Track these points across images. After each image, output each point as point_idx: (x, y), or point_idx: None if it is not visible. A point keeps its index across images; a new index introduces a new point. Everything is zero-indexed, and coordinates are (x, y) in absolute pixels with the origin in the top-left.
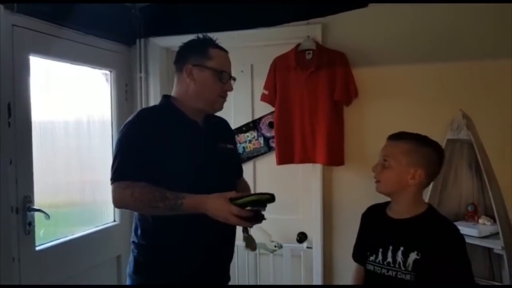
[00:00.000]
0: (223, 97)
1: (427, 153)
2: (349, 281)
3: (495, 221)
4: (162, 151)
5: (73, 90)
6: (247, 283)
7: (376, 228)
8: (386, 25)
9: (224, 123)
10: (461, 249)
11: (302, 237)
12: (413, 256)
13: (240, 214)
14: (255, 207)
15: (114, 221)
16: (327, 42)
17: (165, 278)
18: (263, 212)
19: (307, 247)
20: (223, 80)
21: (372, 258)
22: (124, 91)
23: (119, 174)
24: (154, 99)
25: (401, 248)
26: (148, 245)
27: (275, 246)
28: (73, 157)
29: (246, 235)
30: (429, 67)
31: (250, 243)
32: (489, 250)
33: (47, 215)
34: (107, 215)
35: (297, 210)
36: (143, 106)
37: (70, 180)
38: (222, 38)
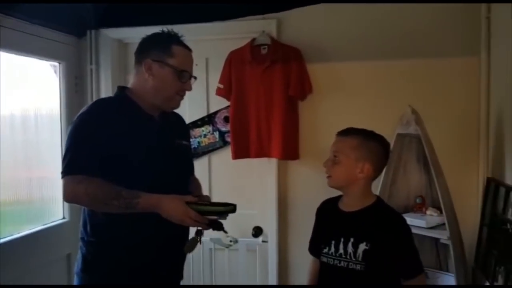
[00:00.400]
0: (181, 96)
1: (374, 147)
2: (304, 274)
3: (441, 212)
4: (117, 144)
5: (20, 82)
6: (202, 278)
7: (329, 221)
8: (340, 22)
9: (180, 119)
10: (408, 238)
11: (257, 231)
12: (362, 246)
13: (197, 220)
14: (217, 216)
15: (64, 218)
16: (282, 37)
17: (114, 276)
18: (222, 221)
19: (263, 241)
20: (183, 79)
21: (325, 250)
22: (74, 84)
23: (72, 167)
24: (105, 92)
25: (351, 239)
26: (97, 242)
27: (231, 241)
28: (20, 152)
29: (196, 237)
30: (380, 64)
31: (191, 246)
32: (436, 240)
33: None
34: (55, 212)
35: (253, 205)
36: (94, 99)
37: (16, 176)
38: (176, 31)
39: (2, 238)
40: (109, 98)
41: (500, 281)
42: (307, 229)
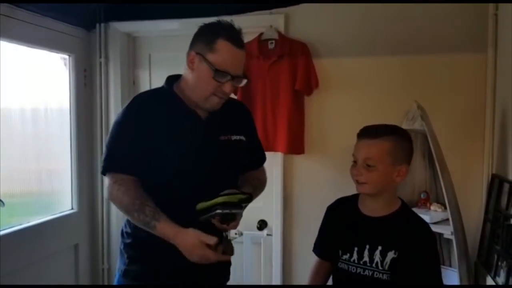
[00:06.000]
0: (219, 97)
1: (407, 146)
2: (308, 267)
3: (445, 208)
4: (151, 143)
5: (30, 74)
6: None
7: (348, 225)
8: (347, 17)
9: (238, 111)
10: (435, 247)
11: (262, 224)
12: (390, 255)
13: (216, 258)
14: (226, 209)
15: (72, 208)
16: (289, 32)
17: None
18: (236, 212)
19: (267, 235)
20: (218, 79)
21: (346, 256)
22: (83, 76)
23: (107, 165)
24: (114, 85)
25: (379, 247)
26: (129, 254)
27: (236, 234)
28: (29, 145)
29: (225, 236)
30: (387, 59)
31: (228, 248)
32: (439, 235)
33: (2, 202)
34: (64, 204)
35: (258, 198)
36: (102, 92)
37: (26, 168)
38: (183, 25)
39: (11, 227)
40: (150, 91)
41: (502, 276)
42: (312, 223)
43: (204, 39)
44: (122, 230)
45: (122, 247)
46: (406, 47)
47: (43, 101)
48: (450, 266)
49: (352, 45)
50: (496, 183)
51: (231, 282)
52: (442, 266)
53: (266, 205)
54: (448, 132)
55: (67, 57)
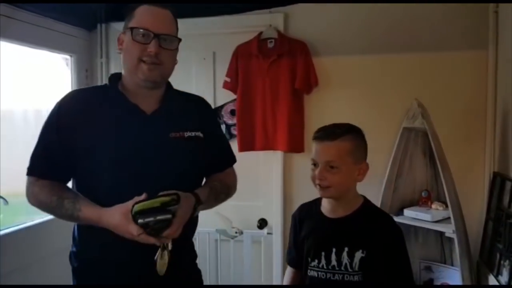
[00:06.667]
0: (147, 63)
1: (364, 144)
2: None
3: (447, 206)
4: (77, 143)
5: (32, 75)
6: (207, 269)
7: (313, 230)
8: (346, 16)
9: (194, 104)
10: (402, 240)
11: (262, 223)
12: (358, 255)
13: (138, 235)
14: (148, 218)
15: None
16: (289, 31)
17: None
18: (163, 219)
19: (268, 233)
20: (138, 38)
21: (314, 263)
22: (85, 76)
23: (28, 167)
24: None
25: (346, 249)
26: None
27: (236, 232)
28: (32, 145)
29: (162, 246)
30: (387, 58)
31: (160, 263)
32: (441, 234)
33: (5, 201)
34: None
35: (258, 197)
36: None
37: None
38: (184, 25)
39: (15, 225)
40: (84, 89)
41: (504, 275)
42: None
43: (127, 17)
44: (70, 252)
45: (71, 271)
46: (406, 45)
47: (45, 101)
48: (452, 265)
49: (351, 43)
50: (498, 181)
51: (231, 281)
52: (444, 265)
53: (266, 203)
54: (449, 130)
55: (68, 57)
